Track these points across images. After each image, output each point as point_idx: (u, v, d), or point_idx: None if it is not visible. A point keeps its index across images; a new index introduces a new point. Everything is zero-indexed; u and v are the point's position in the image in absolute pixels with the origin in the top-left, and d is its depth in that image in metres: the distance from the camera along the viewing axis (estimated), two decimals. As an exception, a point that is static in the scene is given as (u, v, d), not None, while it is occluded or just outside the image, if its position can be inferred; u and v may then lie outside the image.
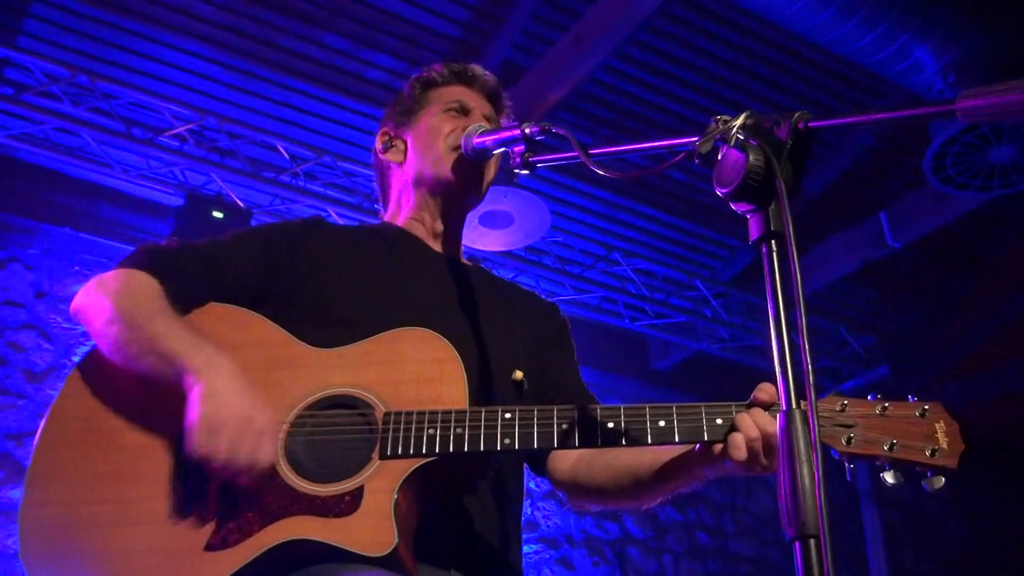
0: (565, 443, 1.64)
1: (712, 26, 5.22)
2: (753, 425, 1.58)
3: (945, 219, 5.85)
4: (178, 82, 5.21)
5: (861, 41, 4.32)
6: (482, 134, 1.92)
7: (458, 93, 2.15)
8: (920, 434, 1.58)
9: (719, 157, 1.35)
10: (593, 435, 1.64)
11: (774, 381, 1.22)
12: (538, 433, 1.63)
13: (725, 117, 1.35)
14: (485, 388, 1.82)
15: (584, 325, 6.35)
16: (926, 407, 1.61)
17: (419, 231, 2.10)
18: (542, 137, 1.77)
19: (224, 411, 1.57)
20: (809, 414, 1.13)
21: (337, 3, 4.99)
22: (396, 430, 1.62)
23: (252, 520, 1.57)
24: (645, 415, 1.64)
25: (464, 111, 2.11)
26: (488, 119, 2.11)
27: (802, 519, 1.11)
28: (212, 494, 1.61)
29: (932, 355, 7.38)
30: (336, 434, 1.65)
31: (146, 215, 5.60)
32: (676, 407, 1.65)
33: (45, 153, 5.03)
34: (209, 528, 1.57)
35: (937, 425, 1.59)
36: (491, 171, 2.11)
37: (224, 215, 5.16)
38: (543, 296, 2.26)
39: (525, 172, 1.79)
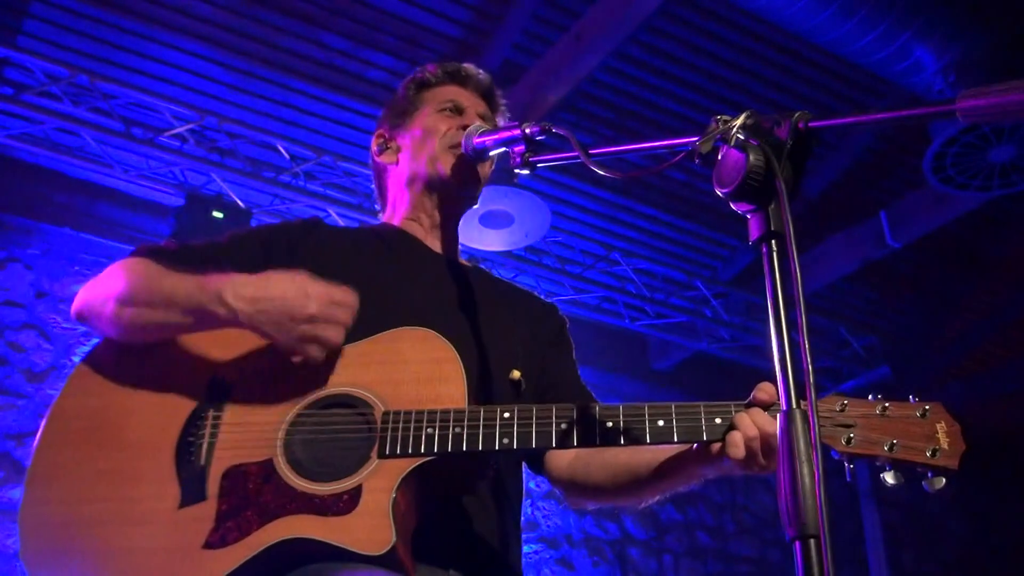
0: (564, 442, 1.64)
1: (712, 26, 5.22)
2: (752, 424, 1.58)
3: (945, 219, 5.84)
4: (178, 82, 5.21)
5: (861, 41, 4.32)
6: (482, 134, 1.92)
7: (452, 93, 2.15)
8: (921, 434, 1.57)
9: (719, 157, 1.35)
10: (592, 434, 1.64)
11: (774, 381, 1.21)
12: (537, 432, 1.63)
13: (725, 117, 1.35)
14: (483, 387, 1.82)
15: (584, 325, 6.35)
16: (927, 407, 1.60)
17: (417, 231, 2.11)
18: (542, 137, 1.77)
19: (289, 302, 1.64)
20: (809, 414, 1.13)
21: (337, 3, 4.99)
22: (395, 429, 1.62)
23: (251, 519, 1.57)
24: (644, 414, 1.64)
25: (458, 110, 2.12)
26: (483, 117, 2.11)
27: (802, 519, 1.11)
28: (211, 493, 1.61)
29: (932, 355, 7.38)
30: (335, 433, 1.65)
31: (146, 215, 5.60)
32: (675, 407, 1.65)
33: (45, 153, 5.03)
34: (208, 526, 1.57)
35: (938, 425, 1.58)
36: (488, 171, 2.11)
37: (224, 215, 5.16)
38: (543, 296, 2.27)
39: (525, 172, 1.79)
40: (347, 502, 1.56)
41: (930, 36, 4.30)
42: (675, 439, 1.64)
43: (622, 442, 1.64)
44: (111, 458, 1.67)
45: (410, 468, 1.59)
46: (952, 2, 4.30)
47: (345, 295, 1.67)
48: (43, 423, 1.72)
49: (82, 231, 5.44)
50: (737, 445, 1.58)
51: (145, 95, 4.96)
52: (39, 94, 4.80)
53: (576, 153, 1.61)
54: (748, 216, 1.30)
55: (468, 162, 2.00)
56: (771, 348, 1.21)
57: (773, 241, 1.26)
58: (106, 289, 1.76)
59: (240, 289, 1.66)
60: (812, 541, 1.10)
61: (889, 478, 1.57)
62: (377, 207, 2.30)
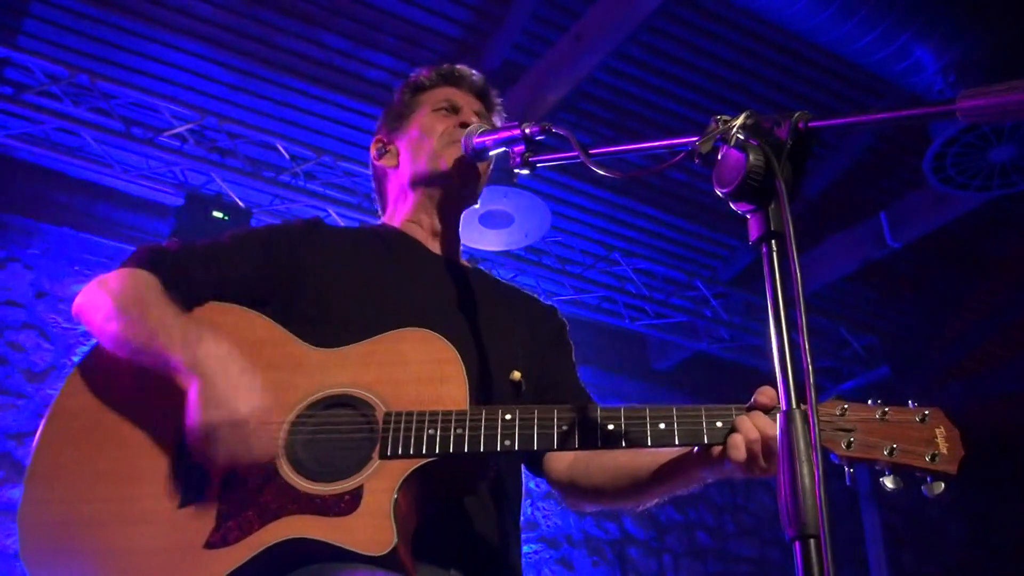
0: (565, 444, 1.64)
1: (712, 26, 5.22)
2: (753, 427, 1.59)
3: (945, 219, 5.84)
4: (178, 82, 5.21)
5: (861, 41, 4.32)
6: (482, 134, 1.92)
7: (447, 93, 2.17)
8: (920, 439, 1.58)
9: (719, 157, 1.35)
10: (593, 437, 1.64)
11: (774, 381, 1.21)
12: (538, 434, 1.63)
13: (725, 117, 1.35)
14: (483, 388, 1.82)
15: (584, 325, 6.35)
16: (926, 412, 1.61)
17: (417, 232, 2.11)
18: (542, 137, 1.77)
19: (215, 415, 1.57)
20: (810, 414, 1.13)
21: (337, 3, 4.99)
22: (396, 430, 1.62)
23: (252, 519, 1.57)
24: (645, 417, 1.64)
25: (454, 109, 2.13)
26: (479, 116, 2.12)
27: (802, 519, 1.11)
28: (212, 492, 1.61)
29: (932, 355, 7.38)
30: (336, 434, 1.65)
31: (146, 215, 5.60)
32: (676, 409, 1.65)
33: (45, 153, 5.03)
34: (209, 526, 1.57)
35: (937, 430, 1.59)
36: (487, 171, 2.12)
37: (224, 215, 5.16)
38: (543, 296, 2.27)
39: (525, 172, 1.79)
40: (348, 502, 1.56)
41: (930, 36, 4.29)
42: (676, 442, 1.64)
43: (623, 445, 1.64)
44: (111, 457, 1.67)
45: (411, 469, 1.59)
46: (952, 2, 4.30)
47: (255, 454, 1.60)
48: (43, 423, 1.72)
49: (82, 231, 5.44)
50: (738, 447, 1.58)
51: (145, 95, 4.96)
52: (39, 94, 4.80)
53: (576, 153, 1.61)
54: (748, 216, 1.30)
55: (468, 162, 2.01)
56: (771, 348, 1.21)
57: (773, 241, 1.26)
58: (101, 299, 1.76)
59: (196, 384, 1.61)
60: (812, 541, 1.10)
61: (888, 482, 1.57)
62: (378, 207, 2.31)
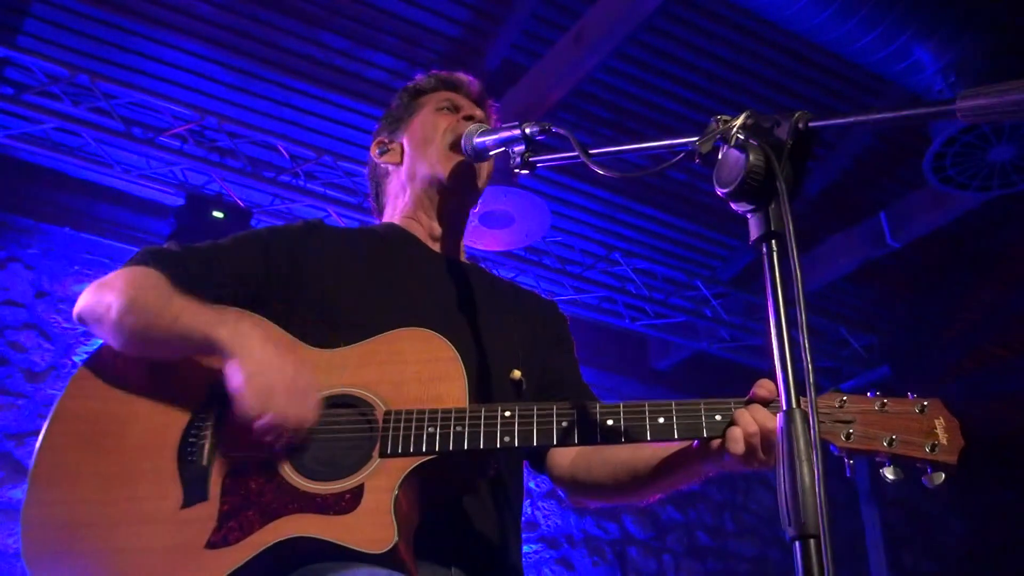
0: (565, 441, 1.65)
1: (712, 26, 5.22)
2: (751, 420, 1.59)
3: (945, 219, 5.84)
4: (178, 82, 5.21)
5: (861, 41, 4.32)
6: (482, 134, 1.93)
7: (447, 96, 2.19)
8: (919, 430, 1.58)
9: (719, 157, 1.36)
10: (592, 433, 1.65)
11: (775, 380, 1.22)
12: (538, 431, 1.64)
13: (725, 117, 1.35)
14: (483, 387, 1.83)
15: (584, 325, 6.35)
16: (925, 403, 1.61)
17: (417, 230, 2.11)
18: (542, 137, 1.77)
19: (270, 375, 1.60)
20: (810, 413, 1.13)
21: (337, 3, 4.99)
22: (396, 429, 1.63)
23: (253, 518, 1.57)
24: (644, 412, 1.65)
25: (455, 108, 2.15)
26: (477, 120, 2.13)
27: (802, 518, 1.11)
28: (214, 493, 1.61)
29: (932, 355, 7.38)
30: (337, 433, 1.66)
31: (146, 215, 5.60)
32: (675, 404, 1.66)
33: (45, 153, 5.03)
34: (210, 526, 1.58)
35: (936, 421, 1.59)
36: (487, 171, 2.13)
37: (224, 215, 5.16)
38: (543, 296, 2.28)
39: (525, 172, 1.79)
40: (349, 501, 1.57)
41: (930, 36, 4.29)
42: (675, 436, 1.65)
43: (623, 440, 1.65)
44: (114, 459, 1.67)
45: (412, 467, 1.60)
46: (952, 2, 4.29)
47: (306, 418, 1.63)
48: (46, 424, 1.72)
49: (82, 231, 5.44)
50: (737, 440, 1.59)
51: (145, 95, 4.96)
52: (39, 94, 4.80)
53: (576, 153, 1.61)
54: (748, 216, 1.31)
55: (468, 162, 2.02)
56: (771, 347, 1.21)
57: (773, 241, 1.27)
58: (111, 296, 1.75)
59: (240, 353, 1.64)
60: (812, 541, 1.10)
61: (889, 474, 1.58)
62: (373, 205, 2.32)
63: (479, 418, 1.64)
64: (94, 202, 5.52)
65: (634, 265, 6.31)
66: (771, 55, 5.41)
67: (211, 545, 1.56)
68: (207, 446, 1.66)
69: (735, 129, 1.32)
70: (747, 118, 1.33)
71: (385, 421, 1.64)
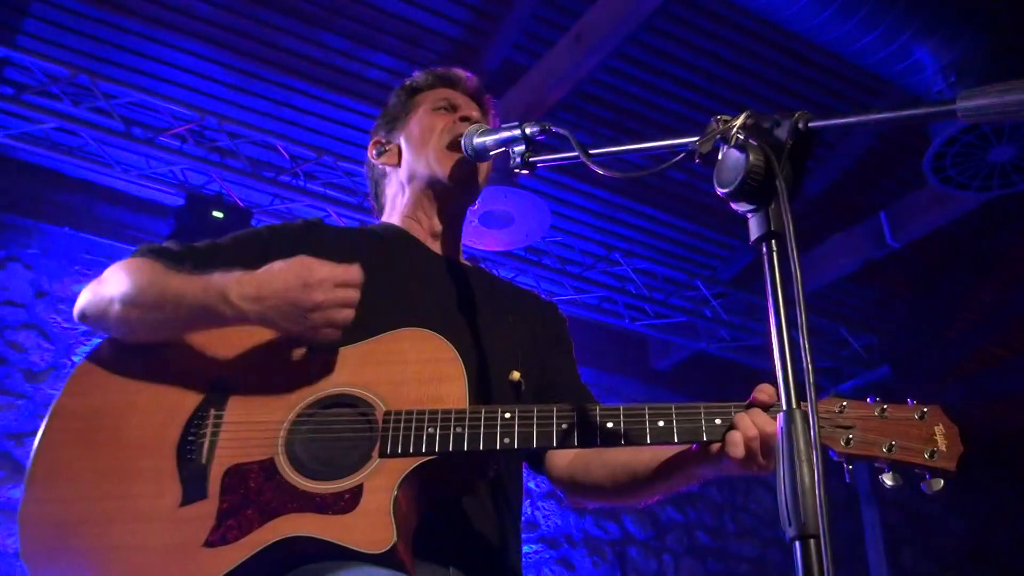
0: (564, 443, 1.65)
1: (712, 26, 5.22)
2: (751, 425, 1.59)
3: (945, 219, 5.84)
4: (178, 82, 5.21)
5: (861, 41, 4.32)
6: (482, 134, 1.92)
7: (444, 94, 2.18)
8: (919, 436, 1.59)
9: (719, 157, 1.36)
10: (592, 435, 1.65)
11: (774, 381, 1.22)
12: (537, 432, 1.64)
13: (725, 117, 1.35)
14: (483, 389, 1.82)
15: (584, 325, 6.34)
16: (925, 410, 1.62)
17: (417, 231, 2.11)
18: (542, 137, 1.77)
19: (292, 291, 1.64)
20: (810, 413, 1.13)
21: (337, 3, 4.99)
22: (396, 429, 1.63)
23: (252, 517, 1.57)
24: (644, 415, 1.65)
25: (453, 107, 2.14)
26: (474, 120, 2.12)
27: (802, 519, 1.11)
28: (212, 491, 1.61)
29: (932, 355, 7.38)
30: (336, 432, 1.66)
31: (146, 215, 5.60)
32: (675, 407, 1.66)
33: (45, 153, 5.03)
34: (209, 525, 1.58)
35: (936, 428, 1.60)
36: (486, 171, 2.12)
37: (224, 215, 5.16)
38: (543, 296, 2.27)
39: (525, 172, 1.79)
40: (348, 501, 1.57)
41: (930, 36, 4.29)
42: (675, 439, 1.64)
43: (622, 442, 1.65)
44: (112, 457, 1.67)
45: (411, 467, 1.60)
46: (952, 2, 4.29)
47: (347, 273, 1.67)
48: (44, 422, 1.72)
49: (82, 231, 5.44)
50: (737, 444, 1.59)
51: (145, 95, 4.96)
52: (39, 94, 4.80)
53: (576, 153, 1.61)
54: (748, 216, 1.31)
55: (467, 162, 2.01)
56: (772, 348, 1.21)
57: (773, 241, 1.26)
58: (111, 289, 1.75)
59: (244, 288, 1.66)
60: (812, 541, 1.10)
61: (888, 479, 1.58)
62: (372, 205, 2.31)
63: (479, 419, 1.64)
64: (94, 202, 5.52)
65: (634, 265, 6.31)
66: (771, 55, 5.41)
67: (209, 544, 1.56)
68: (206, 444, 1.66)
69: (735, 129, 1.32)
70: (747, 118, 1.33)
71: (385, 421, 1.64)
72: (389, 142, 2.19)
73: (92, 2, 4.77)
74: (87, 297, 1.80)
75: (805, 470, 1.13)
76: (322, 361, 1.73)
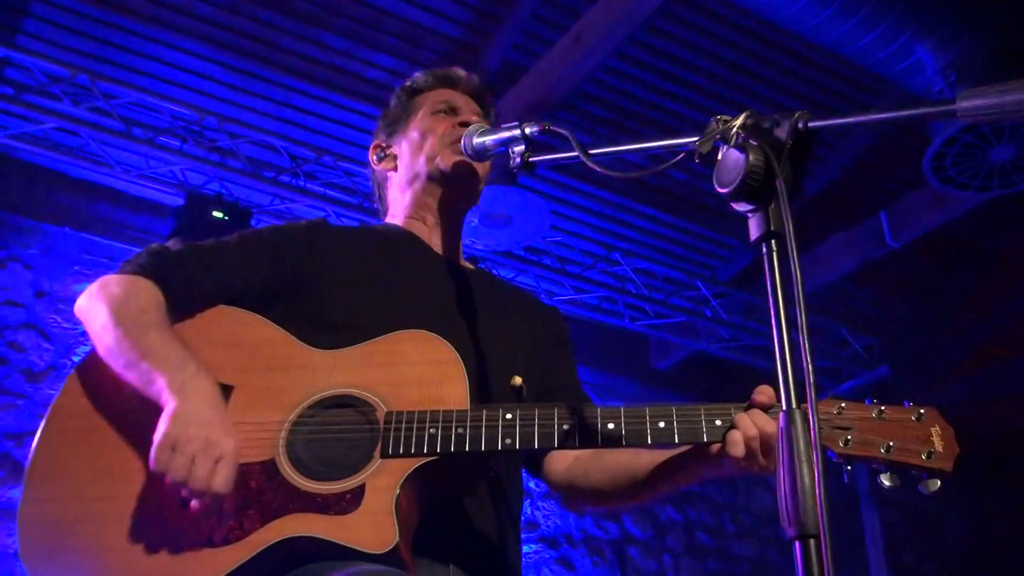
0: (566, 443, 1.66)
1: (712, 26, 5.22)
2: (752, 425, 1.60)
3: (945, 219, 5.84)
4: (178, 82, 5.21)
5: (861, 41, 4.32)
6: (482, 134, 1.92)
7: (444, 95, 2.18)
8: (916, 437, 1.61)
9: (719, 157, 1.36)
10: (593, 436, 1.65)
11: (774, 381, 1.22)
12: (539, 433, 1.64)
13: (725, 117, 1.35)
14: (484, 392, 1.83)
15: (584, 325, 6.34)
16: (922, 411, 1.64)
17: (420, 231, 2.11)
18: (542, 137, 1.77)
19: (189, 430, 1.55)
20: (810, 413, 1.13)
21: (337, 3, 4.99)
22: (397, 429, 1.63)
23: (253, 517, 1.57)
24: (645, 416, 1.65)
25: (452, 110, 2.13)
26: (476, 115, 2.12)
27: (802, 519, 1.11)
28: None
29: (932, 355, 7.38)
30: (338, 433, 1.66)
31: (146, 215, 5.60)
32: (676, 408, 1.66)
33: (45, 153, 5.03)
34: (210, 524, 1.57)
35: (932, 429, 1.62)
36: (487, 171, 2.12)
37: (224, 215, 5.16)
38: (543, 296, 2.28)
39: (525, 172, 1.79)
40: (350, 501, 1.57)
41: (930, 36, 4.29)
42: (676, 440, 1.65)
43: (623, 443, 1.66)
44: (111, 456, 1.67)
45: (413, 467, 1.60)
46: (952, 2, 4.29)
47: (208, 485, 1.55)
48: (43, 423, 1.72)
49: (82, 231, 5.44)
50: (737, 444, 1.60)
51: (145, 95, 4.96)
52: (39, 94, 4.80)
53: (576, 153, 1.61)
54: (748, 216, 1.31)
55: (467, 163, 2.01)
56: (772, 348, 1.21)
57: (773, 241, 1.27)
58: (100, 307, 1.75)
59: (174, 404, 1.59)
60: (812, 541, 1.10)
61: (886, 480, 1.60)
62: (378, 206, 2.31)
63: (480, 420, 1.64)
64: (94, 202, 5.52)
65: (634, 265, 6.31)
66: (771, 55, 5.40)
67: (211, 544, 1.56)
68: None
69: (735, 129, 1.32)
70: (747, 118, 1.33)
71: (386, 422, 1.64)
72: (390, 146, 2.19)
73: (92, 2, 4.78)
74: (84, 301, 1.80)
75: (805, 470, 1.13)
76: (323, 362, 1.73)
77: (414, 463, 1.60)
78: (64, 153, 5.02)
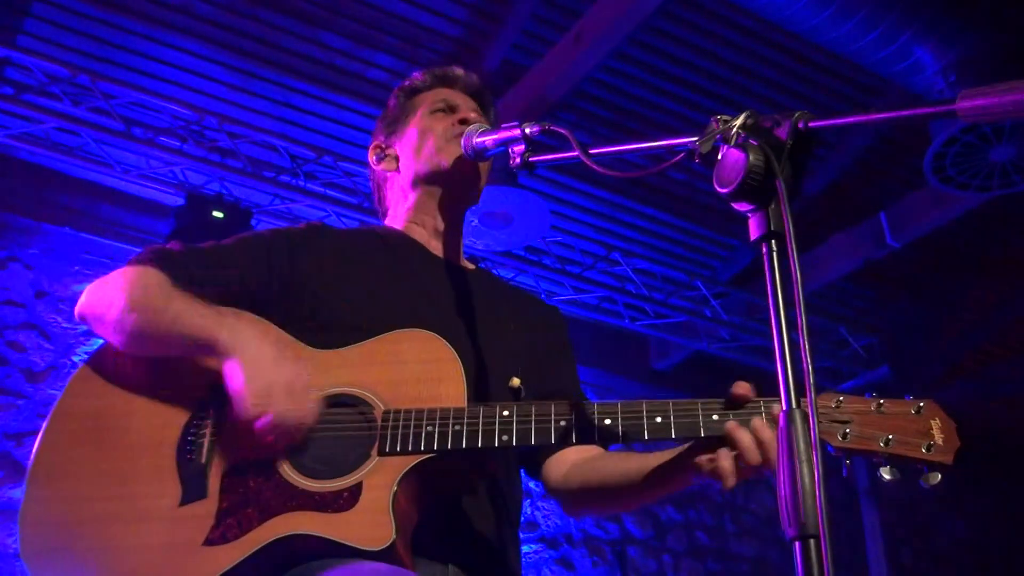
0: (563, 440, 1.66)
1: (712, 26, 5.22)
2: (751, 446, 1.58)
3: (945, 219, 5.84)
4: (178, 82, 5.21)
5: (861, 41, 4.32)
6: (482, 134, 1.92)
7: (443, 94, 2.17)
8: (916, 430, 1.59)
9: (719, 157, 1.36)
10: (590, 431, 1.66)
11: (775, 380, 1.22)
12: (536, 430, 1.65)
13: (725, 117, 1.36)
14: (481, 394, 1.82)
15: (584, 325, 6.34)
16: (921, 404, 1.63)
17: (419, 234, 2.11)
18: (542, 137, 1.77)
19: (270, 375, 1.61)
20: (810, 414, 1.13)
21: (337, 3, 4.99)
22: (395, 427, 1.63)
23: (251, 516, 1.58)
24: (642, 411, 1.66)
25: (451, 109, 2.13)
26: (475, 114, 2.12)
27: (802, 519, 1.11)
28: (212, 490, 1.62)
29: (932, 355, 7.38)
30: (336, 431, 1.66)
31: (146, 215, 5.60)
32: (672, 403, 1.66)
33: (45, 153, 5.03)
34: (209, 523, 1.58)
35: (932, 422, 1.61)
36: (487, 171, 2.12)
37: (224, 215, 5.16)
38: (543, 296, 2.28)
39: (525, 172, 1.79)
40: (347, 499, 1.57)
41: (930, 36, 4.29)
42: (673, 435, 1.65)
43: (621, 439, 1.65)
44: (113, 456, 1.67)
45: (410, 465, 1.60)
46: (952, 2, 4.29)
47: (309, 416, 1.64)
48: (45, 422, 1.73)
49: (82, 231, 5.44)
50: (731, 475, 1.60)
51: (145, 95, 4.96)
52: (39, 94, 4.80)
53: (576, 153, 1.61)
54: (748, 216, 1.31)
55: (468, 162, 2.01)
56: (772, 348, 1.22)
57: (773, 241, 1.27)
58: (113, 295, 1.76)
59: (242, 352, 1.65)
60: (812, 541, 1.10)
61: (886, 474, 1.59)
62: (377, 209, 2.31)
63: (477, 417, 1.65)
64: (94, 202, 5.52)
65: (634, 265, 6.31)
66: (771, 55, 5.40)
67: (209, 542, 1.56)
68: (206, 444, 1.67)
69: (735, 129, 1.32)
70: (747, 118, 1.33)
71: (384, 420, 1.65)
72: (389, 146, 2.19)
73: (92, 2, 4.78)
74: (88, 298, 1.81)
75: (805, 470, 1.13)
76: (322, 362, 1.74)
77: (411, 461, 1.61)
78: (64, 153, 5.02)
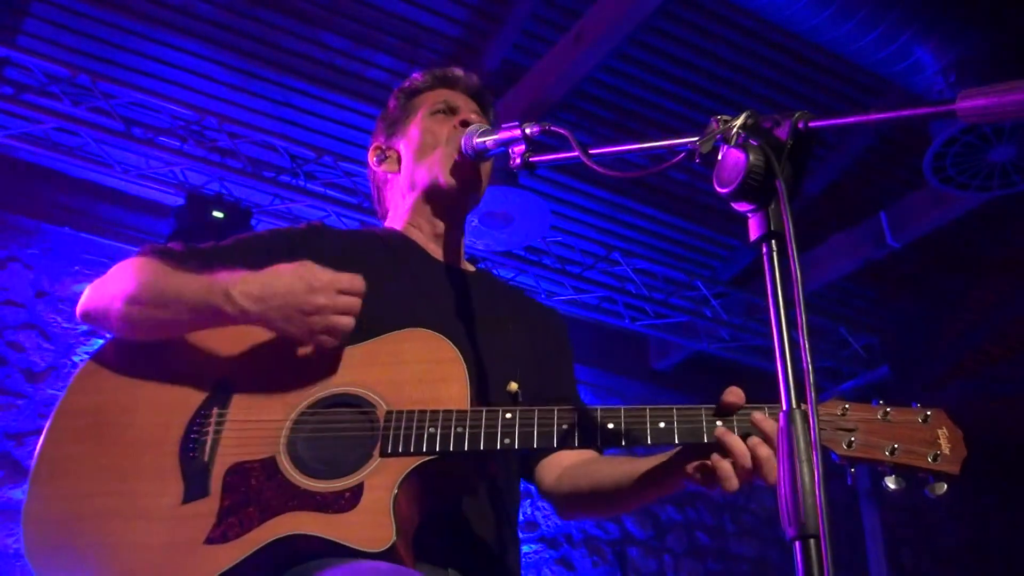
0: (565, 443, 1.65)
1: (712, 26, 5.22)
2: (745, 450, 1.58)
3: (945, 219, 5.84)
4: (178, 82, 5.22)
5: (861, 41, 4.32)
6: (482, 134, 1.92)
7: (443, 95, 2.17)
8: (922, 439, 1.58)
9: (719, 157, 1.36)
10: (593, 435, 1.65)
11: (775, 381, 1.22)
12: (538, 433, 1.64)
13: (725, 117, 1.36)
14: (481, 397, 1.82)
15: (584, 325, 6.34)
16: (928, 413, 1.61)
17: (418, 236, 2.11)
18: (542, 137, 1.77)
19: (294, 270, 1.67)
20: (810, 413, 1.13)
21: (337, 3, 4.99)
22: (397, 428, 1.63)
23: (252, 515, 1.58)
24: (645, 416, 1.65)
25: (452, 110, 2.13)
26: (475, 114, 2.12)
27: (802, 519, 1.11)
28: (214, 489, 1.62)
29: (932, 355, 7.37)
30: (338, 432, 1.66)
31: (146, 215, 5.60)
32: (676, 409, 1.66)
33: (45, 153, 5.03)
34: (210, 522, 1.58)
35: (939, 431, 1.59)
36: (488, 171, 2.12)
37: (224, 215, 5.15)
38: (543, 296, 2.28)
39: (525, 172, 1.79)
40: (349, 499, 1.57)
41: (930, 36, 4.29)
42: (676, 440, 1.65)
43: (623, 443, 1.65)
44: (115, 454, 1.68)
45: (412, 467, 1.60)
46: (952, 2, 4.29)
47: (351, 281, 1.69)
48: (49, 420, 1.73)
49: (82, 231, 5.44)
50: (730, 478, 1.59)
51: (145, 95, 4.96)
52: (39, 94, 4.80)
53: (576, 153, 1.61)
54: (748, 216, 1.31)
55: (468, 164, 2.01)
56: (772, 348, 1.21)
57: (773, 241, 1.27)
58: (114, 287, 1.77)
59: (247, 287, 1.67)
60: (812, 541, 1.10)
61: (891, 483, 1.57)
62: (377, 209, 2.31)
63: (480, 419, 1.64)
64: (94, 202, 5.52)
65: (634, 265, 6.30)
66: (771, 55, 5.40)
67: (210, 541, 1.56)
68: (209, 442, 1.67)
69: (735, 129, 1.32)
70: (747, 118, 1.33)
71: (386, 421, 1.64)
72: (389, 147, 2.19)
73: (92, 2, 4.78)
74: (90, 296, 1.81)
75: (805, 470, 1.13)
76: (325, 361, 1.74)
77: (413, 462, 1.60)
78: (64, 153, 5.02)
